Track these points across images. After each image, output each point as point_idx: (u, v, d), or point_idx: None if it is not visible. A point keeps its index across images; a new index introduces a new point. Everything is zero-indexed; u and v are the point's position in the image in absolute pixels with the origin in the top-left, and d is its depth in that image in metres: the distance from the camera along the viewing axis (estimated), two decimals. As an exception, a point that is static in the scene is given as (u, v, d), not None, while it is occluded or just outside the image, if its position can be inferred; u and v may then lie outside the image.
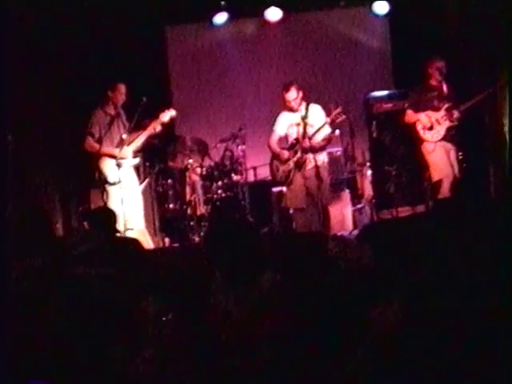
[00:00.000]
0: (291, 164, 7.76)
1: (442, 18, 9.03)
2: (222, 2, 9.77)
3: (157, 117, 7.79)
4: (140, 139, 7.78)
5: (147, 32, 9.52)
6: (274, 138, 7.97)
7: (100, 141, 7.68)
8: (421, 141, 7.96)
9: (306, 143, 7.64)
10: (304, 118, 7.66)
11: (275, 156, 7.93)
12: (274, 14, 9.90)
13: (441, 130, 7.88)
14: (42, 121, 8.30)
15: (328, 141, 7.86)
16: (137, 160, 7.85)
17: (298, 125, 7.75)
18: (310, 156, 7.68)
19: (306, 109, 7.70)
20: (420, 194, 8.59)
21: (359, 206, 8.86)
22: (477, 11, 8.16)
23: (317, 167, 7.64)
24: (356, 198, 8.92)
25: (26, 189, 7.72)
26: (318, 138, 7.74)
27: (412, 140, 8.13)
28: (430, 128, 7.88)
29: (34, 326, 1.74)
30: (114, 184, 7.62)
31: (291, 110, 7.80)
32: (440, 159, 7.90)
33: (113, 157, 7.62)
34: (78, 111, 8.39)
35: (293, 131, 7.82)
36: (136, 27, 9.26)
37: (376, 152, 9.22)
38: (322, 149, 7.83)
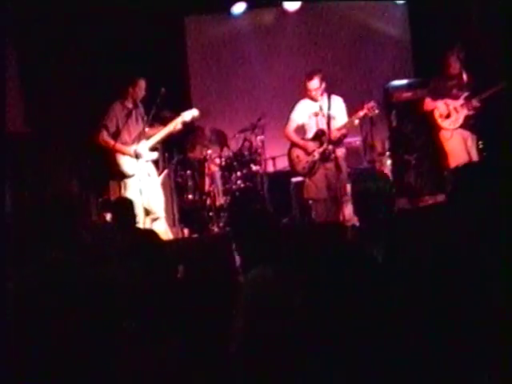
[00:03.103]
0: (316, 155, 7.71)
1: (461, 5, 8.94)
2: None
3: (178, 114, 7.79)
4: (159, 135, 7.78)
5: (166, 23, 9.53)
6: (292, 127, 7.92)
7: (116, 134, 7.69)
8: (438, 128, 8.00)
9: (335, 134, 7.61)
10: (328, 108, 7.62)
11: (295, 145, 7.89)
12: (292, 3, 9.86)
13: (459, 119, 7.89)
14: (62, 112, 8.33)
15: (346, 134, 7.88)
16: (155, 154, 7.85)
17: (321, 115, 7.70)
18: (331, 147, 7.67)
19: (329, 100, 7.65)
20: (440, 183, 8.54)
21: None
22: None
23: (338, 158, 7.63)
24: (376, 187, 8.87)
25: (45, 181, 7.77)
26: (340, 130, 7.74)
27: (431, 128, 8.14)
28: (448, 116, 7.91)
29: (50, 322, 1.75)
30: (130, 176, 7.64)
31: (312, 99, 7.77)
32: (457, 147, 7.92)
33: (124, 153, 7.64)
34: (97, 103, 8.41)
35: (314, 121, 7.77)
36: (155, 18, 9.25)
37: (396, 141, 9.16)
38: (342, 141, 7.84)
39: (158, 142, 7.87)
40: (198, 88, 10.14)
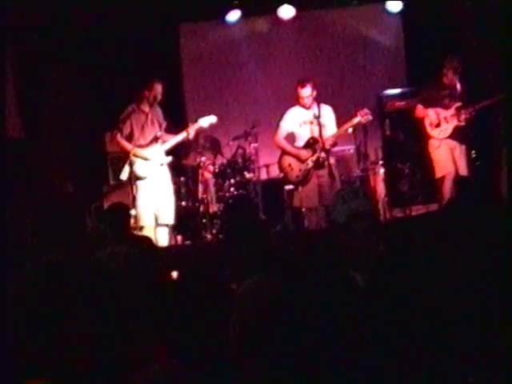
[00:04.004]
0: (310, 163, 7.73)
1: (456, 15, 8.99)
2: (235, 1, 9.78)
3: (196, 121, 7.80)
4: (174, 140, 7.78)
5: (161, 29, 9.55)
6: (282, 134, 7.94)
7: (130, 137, 7.68)
8: (428, 137, 8.05)
9: (328, 142, 7.65)
10: (318, 117, 7.66)
11: (286, 153, 7.90)
12: (286, 11, 9.89)
13: (448, 129, 7.95)
14: (57, 119, 8.33)
15: (337, 143, 7.96)
16: (169, 158, 7.84)
17: (311, 123, 7.74)
18: (324, 155, 7.72)
19: (319, 108, 7.71)
20: (433, 193, 8.57)
21: (371, 204, 8.82)
22: (492, 9, 8.11)
23: (330, 166, 7.67)
24: (368, 196, 8.89)
25: (40, 187, 7.75)
26: (331, 138, 7.78)
27: (422, 136, 8.20)
28: (437, 125, 7.97)
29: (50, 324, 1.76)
30: (142, 179, 7.63)
31: (303, 106, 7.80)
32: (443, 156, 7.99)
33: (136, 156, 7.62)
34: (92, 108, 8.43)
35: (305, 129, 7.80)
36: (150, 25, 9.27)
37: (389, 150, 9.20)
38: (331, 149, 7.91)
39: (173, 147, 7.87)
40: (192, 95, 10.15)
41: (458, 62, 7.87)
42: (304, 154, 7.76)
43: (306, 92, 7.70)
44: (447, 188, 7.92)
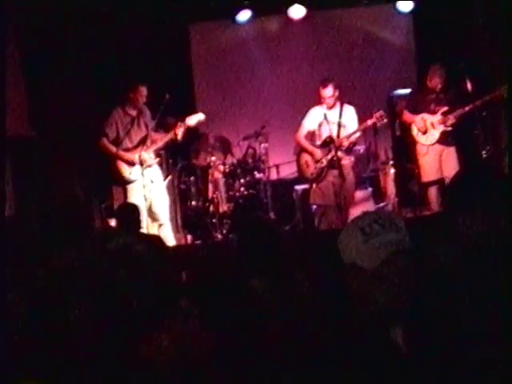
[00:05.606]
0: (324, 161, 7.83)
1: (467, 15, 8.96)
2: (246, 1, 9.78)
3: (183, 120, 7.81)
4: (162, 141, 7.80)
5: (171, 29, 9.56)
6: (303, 132, 8.05)
7: (116, 140, 7.71)
8: (415, 142, 8.08)
9: (343, 142, 7.72)
10: (339, 117, 7.76)
11: (305, 151, 7.99)
12: (297, 11, 9.89)
13: (435, 134, 7.97)
14: (67, 118, 8.35)
15: (356, 143, 8.10)
16: (157, 160, 7.86)
17: (332, 123, 7.83)
18: (341, 155, 7.80)
19: (341, 108, 7.79)
20: (443, 193, 8.54)
21: (382, 204, 8.83)
22: (502, 9, 8.07)
23: (343, 166, 7.78)
24: (379, 196, 8.90)
25: (49, 185, 7.77)
26: (349, 138, 7.85)
27: (409, 141, 8.27)
28: (425, 132, 7.97)
29: (59, 322, 1.76)
30: (131, 182, 7.66)
31: (326, 106, 7.88)
32: (430, 163, 8.03)
33: (127, 161, 7.64)
34: (102, 108, 8.44)
35: (325, 128, 7.90)
36: (160, 25, 9.29)
37: (399, 150, 9.18)
38: (351, 149, 7.97)
39: (161, 148, 7.90)
40: (203, 95, 10.16)
41: (441, 69, 7.87)
42: (319, 152, 7.86)
43: (328, 92, 7.80)
44: (432, 194, 8.01)
